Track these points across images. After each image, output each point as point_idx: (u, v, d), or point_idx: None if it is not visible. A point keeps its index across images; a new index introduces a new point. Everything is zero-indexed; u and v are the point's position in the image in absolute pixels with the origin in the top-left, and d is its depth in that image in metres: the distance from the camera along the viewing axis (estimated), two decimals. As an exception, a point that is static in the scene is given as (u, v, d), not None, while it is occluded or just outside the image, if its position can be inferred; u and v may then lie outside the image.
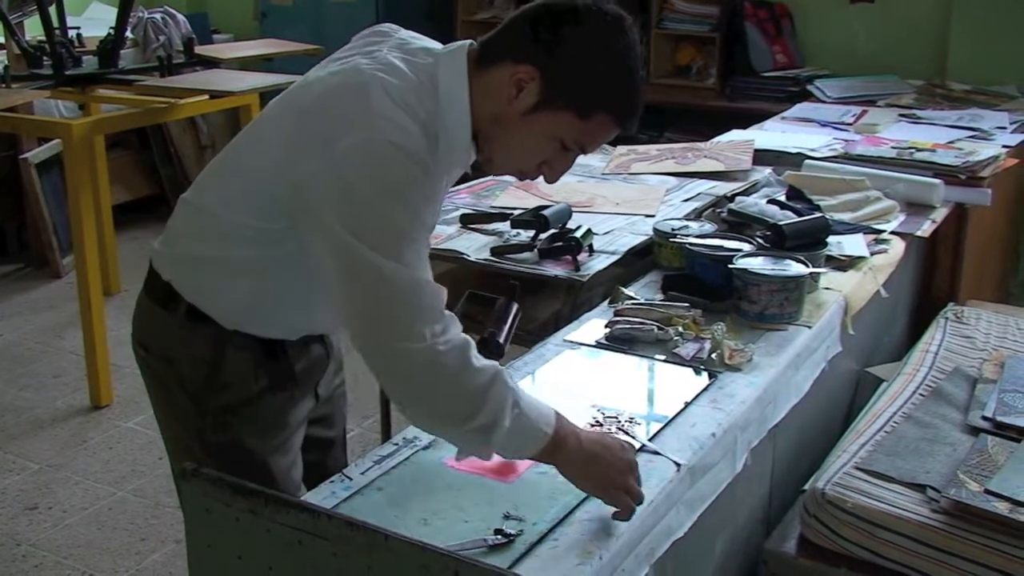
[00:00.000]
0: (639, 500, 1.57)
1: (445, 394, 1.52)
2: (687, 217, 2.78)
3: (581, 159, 3.57)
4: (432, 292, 1.55)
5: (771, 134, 3.95)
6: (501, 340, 1.76)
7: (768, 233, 2.47)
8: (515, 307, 1.83)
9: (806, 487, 2.08)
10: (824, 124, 4.17)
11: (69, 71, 4.34)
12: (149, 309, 1.85)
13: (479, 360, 1.53)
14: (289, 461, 1.90)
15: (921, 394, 2.42)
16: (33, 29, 4.67)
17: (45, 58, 4.39)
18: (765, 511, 2.21)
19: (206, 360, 1.80)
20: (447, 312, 1.55)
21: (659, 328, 2.15)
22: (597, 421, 1.82)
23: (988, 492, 1.95)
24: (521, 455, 1.58)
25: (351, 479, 1.64)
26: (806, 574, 2.03)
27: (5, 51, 5.01)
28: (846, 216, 2.86)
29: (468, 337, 1.54)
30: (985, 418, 2.27)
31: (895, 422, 2.28)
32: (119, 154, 6.06)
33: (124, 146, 6.18)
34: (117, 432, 3.81)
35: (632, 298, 2.32)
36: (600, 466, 1.57)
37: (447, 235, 2.70)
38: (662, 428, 1.81)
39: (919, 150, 3.51)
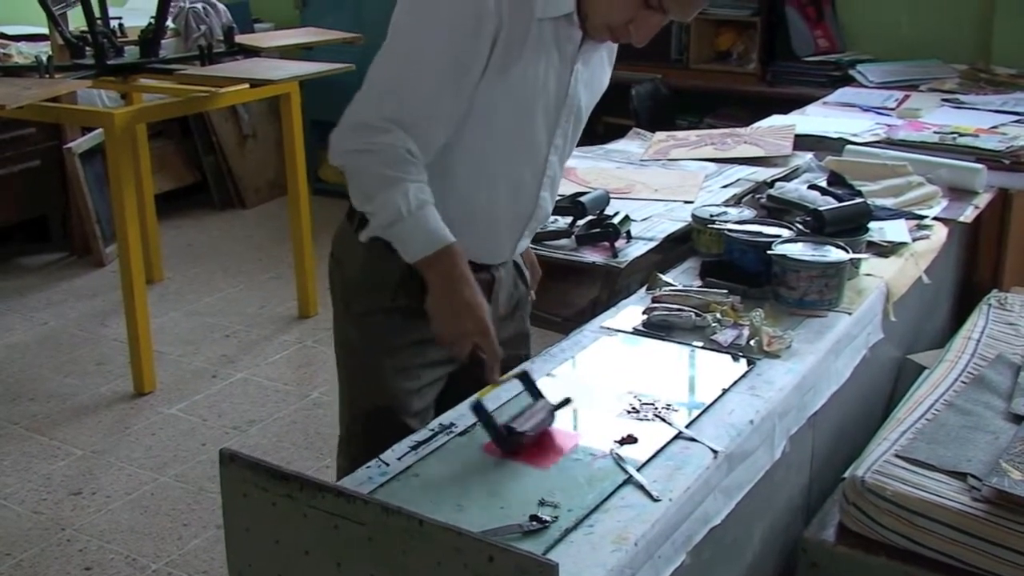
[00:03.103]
0: (496, 357, 1.83)
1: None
2: (726, 203, 2.76)
3: (619, 145, 3.57)
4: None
5: (812, 119, 3.92)
6: (519, 429, 1.68)
7: (808, 219, 2.45)
8: (552, 418, 1.76)
9: (846, 475, 2.07)
10: (866, 109, 4.13)
11: (111, 61, 4.37)
12: (342, 221, 2.04)
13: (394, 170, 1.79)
14: (410, 387, 2.01)
15: (963, 381, 2.39)
16: (76, 20, 4.71)
17: (87, 48, 4.43)
18: (804, 499, 2.20)
19: (360, 263, 1.99)
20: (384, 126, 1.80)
21: (697, 315, 2.14)
22: (634, 408, 1.82)
23: (1031, 480, 1.93)
24: (416, 251, 1.82)
25: (388, 464, 1.64)
26: (845, 562, 2.02)
27: (49, 42, 5.05)
28: (888, 202, 2.83)
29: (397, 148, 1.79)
30: (1029, 406, 2.24)
31: (936, 410, 2.26)
32: (161, 143, 6.11)
33: (166, 135, 6.23)
34: (160, 419, 3.85)
35: (670, 284, 2.31)
36: (463, 311, 1.82)
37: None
38: (699, 415, 1.80)
39: (962, 135, 3.48)
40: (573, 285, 2.56)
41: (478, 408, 1.70)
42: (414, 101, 1.80)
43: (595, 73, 2.03)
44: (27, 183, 5.33)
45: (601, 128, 4.94)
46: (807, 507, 2.20)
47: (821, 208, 2.45)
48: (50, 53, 4.67)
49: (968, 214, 2.94)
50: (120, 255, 3.99)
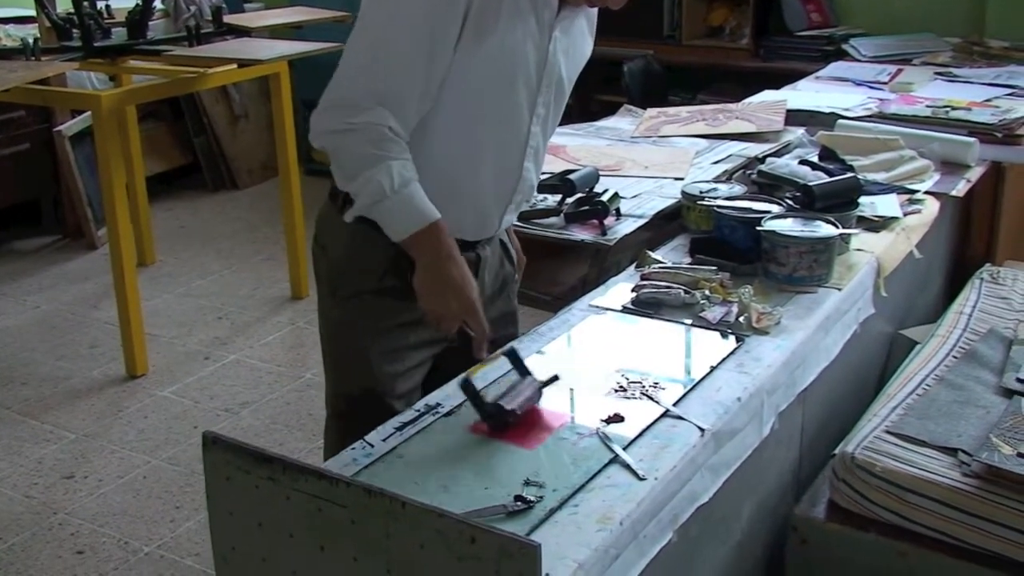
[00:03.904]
0: (483, 334, 1.87)
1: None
2: (717, 179, 2.75)
3: (609, 122, 3.54)
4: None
5: (804, 94, 3.90)
6: (507, 407, 1.66)
7: (798, 194, 2.44)
8: (539, 395, 1.74)
9: (836, 451, 2.06)
10: (859, 83, 4.11)
11: (98, 43, 4.33)
12: (324, 204, 2.04)
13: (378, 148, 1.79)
14: (396, 370, 2.00)
15: (954, 356, 2.38)
16: (63, 2, 4.68)
17: (74, 30, 4.39)
18: (794, 476, 2.19)
19: (347, 247, 1.98)
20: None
21: (686, 292, 2.13)
22: (621, 386, 1.81)
23: (1021, 456, 1.92)
24: (402, 229, 1.82)
25: (372, 446, 1.63)
26: (835, 539, 2.01)
27: (36, 24, 5.01)
28: (880, 176, 2.82)
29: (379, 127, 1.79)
30: (1020, 380, 2.23)
31: (927, 385, 2.25)
32: (153, 125, 6.08)
33: (157, 117, 6.20)
34: (152, 401, 3.84)
35: (659, 262, 2.29)
36: (449, 288, 1.83)
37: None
38: (687, 392, 1.79)
39: (955, 108, 3.45)
40: (562, 263, 2.55)
41: (467, 386, 1.69)
42: (390, 73, 1.79)
43: (576, 42, 2.02)
44: (18, 167, 5.31)
45: (595, 106, 4.91)
46: (797, 484, 2.19)
47: (811, 183, 2.43)
48: (37, 35, 4.63)
49: (960, 188, 2.92)
50: (110, 238, 3.97)
